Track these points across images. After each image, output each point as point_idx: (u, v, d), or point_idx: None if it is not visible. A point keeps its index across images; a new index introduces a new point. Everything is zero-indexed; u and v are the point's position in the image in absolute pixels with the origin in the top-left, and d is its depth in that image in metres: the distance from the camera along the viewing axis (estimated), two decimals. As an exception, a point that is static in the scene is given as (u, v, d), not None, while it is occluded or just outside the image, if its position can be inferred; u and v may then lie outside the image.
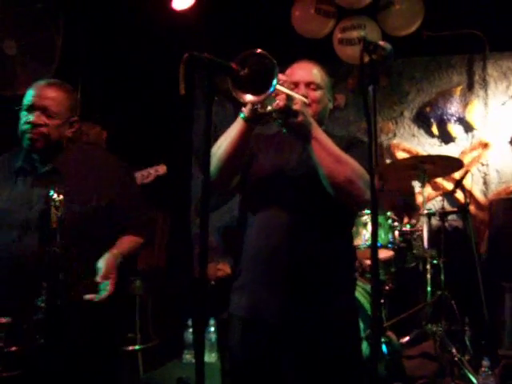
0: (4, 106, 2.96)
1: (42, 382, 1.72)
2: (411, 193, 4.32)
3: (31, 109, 1.99)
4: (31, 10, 3.05)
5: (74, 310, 1.87)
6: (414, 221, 3.60)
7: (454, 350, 3.05)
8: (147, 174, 3.23)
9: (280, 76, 1.57)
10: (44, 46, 3.16)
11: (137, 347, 3.56)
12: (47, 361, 1.71)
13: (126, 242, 2.10)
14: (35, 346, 1.68)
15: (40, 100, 1.99)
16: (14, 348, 1.71)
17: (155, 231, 2.34)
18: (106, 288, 1.88)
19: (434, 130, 4.59)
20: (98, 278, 1.88)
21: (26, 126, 1.98)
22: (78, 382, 1.90)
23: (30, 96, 2.01)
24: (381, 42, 1.35)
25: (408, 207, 4.10)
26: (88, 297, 1.86)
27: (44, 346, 1.69)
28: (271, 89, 1.50)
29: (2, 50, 3.00)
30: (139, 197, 2.24)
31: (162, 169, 3.26)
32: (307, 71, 1.86)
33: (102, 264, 1.92)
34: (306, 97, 1.76)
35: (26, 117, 1.99)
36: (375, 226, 1.40)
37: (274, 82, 1.50)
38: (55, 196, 1.70)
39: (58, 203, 1.69)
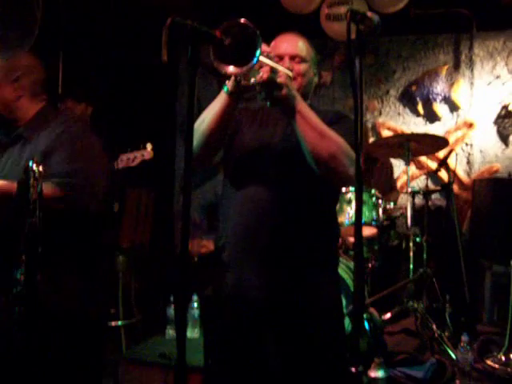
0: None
1: (21, 355, 1.71)
2: (389, 169, 4.31)
3: None
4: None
5: (53, 284, 1.85)
6: (395, 197, 3.62)
7: (434, 327, 3.10)
8: (133, 158, 3.20)
9: (264, 48, 1.54)
10: (23, 17, 3.06)
11: (119, 323, 3.56)
12: (26, 334, 1.69)
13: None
14: (14, 318, 1.66)
15: None
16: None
17: (83, 200, 1.98)
18: None
19: (420, 108, 4.59)
20: None
21: None
22: (58, 355, 1.89)
23: None
24: (368, 13, 1.32)
25: (384, 184, 4.10)
26: None
27: (23, 319, 1.67)
28: (254, 60, 1.47)
29: (-23, 19, 2.91)
30: (77, 151, 1.98)
31: (147, 153, 3.23)
32: (292, 44, 1.82)
33: None
34: (291, 70, 1.72)
35: None
36: (360, 203, 1.38)
37: (258, 53, 1.46)
38: (34, 167, 1.66)
39: (37, 174, 1.66)
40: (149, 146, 3.31)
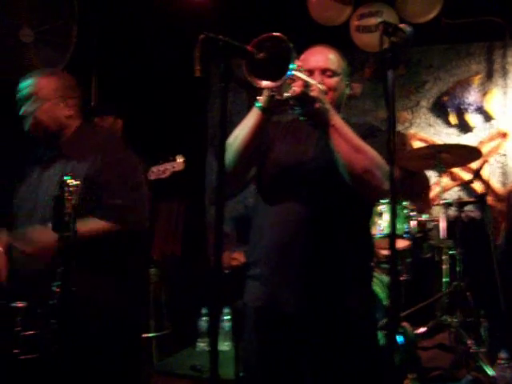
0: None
1: (57, 365, 1.74)
2: (425, 184, 4.25)
3: (22, 101, 2.08)
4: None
5: (88, 296, 1.87)
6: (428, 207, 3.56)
7: (469, 342, 3.02)
8: (164, 170, 3.22)
9: (295, 62, 1.53)
10: (59, 33, 3.16)
11: (151, 335, 3.58)
12: (62, 345, 1.72)
13: (85, 225, 1.88)
14: (50, 330, 1.69)
15: (28, 89, 2.08)
16: (30, 332, 1.73)
17: (138, 219, 2.07)
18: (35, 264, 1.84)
19: (452, 119, 4.52)
20: (25, 248, 1.82)
21: (23, 119, 2.08)
22: (92, 366, 1.91)
23: (19, 90, 2.10)
24: (401, 25, 1.32)
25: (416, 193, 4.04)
26: None
27: (58, 331, 1.70)
28: (288, 73, 1.46)
29: (19, 37, 3.02)
30: (125, 179, 2.06)
31: (178, 165, 3.25)
32: (322, 57, 1.80)
33: (36, 234, 1.86)
34: (322, 84, 1.71)
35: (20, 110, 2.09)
36: (394, 216, 1.36)
37: (291, 66, 1.46)
38: (69, 181, 1.69)
39: (72, 188, 1.69)
40: (179, 158, 3.33)
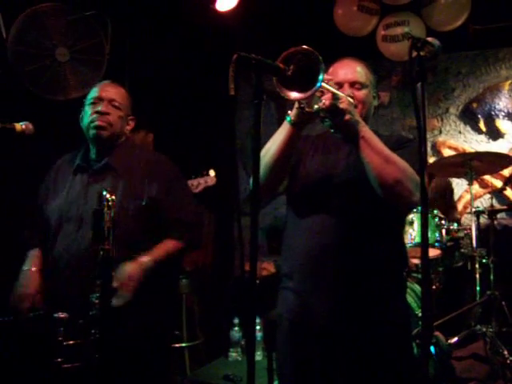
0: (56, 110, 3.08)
1: (98, 374, 1.80)
2: (448, 189, 4.20)
3: (98, 100, 2.15)
4: (82, 18, 3.15)
5: (125, 307, 1.93)
6: (455, 217, 3.52)
7: (505, 352, 2.97)
8: (197, 184, 3.28)
9: (324, 75, 1.55)
10: (93, 52, 3.26)
11: (183, 345, 3.62)
12: (101, 354, 1.78)
13: (163, 248, 2.08)
14: (90, 340, 1.75)
15: (106, 92, 2.16)
16: (71, 341, 1.79)
17: (201, 235, 2.28)
18: (123, 295, 1.91)
19: (482, 126, 4.47)
20: (115, 284, 1.88)
21: (94, 116, 2.13)
22: (129, 375, 1.96)
23: (94, 91, 2.18)
24: (429, 38, 1.34)
25: (444, 203, 4.00)
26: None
27: (98, 341, 1.76)
28: (318, 84, 1.48)
29: (55, 57, 3.12)
30: (187, 197, 2.25)
31: (211, 180, 3.30)
32: (351, 70, 1.82)
33: (123, 269, 1.94)
34: (352, 97, 1.72)
35: (92, 108, 2.13)
36: (425, 227, 1.36)
37: (321, 77, 1.47)
38: (108, 195, 1.75)
39: (110, 202, 1.75)
40: (212, 173, 3.39)
